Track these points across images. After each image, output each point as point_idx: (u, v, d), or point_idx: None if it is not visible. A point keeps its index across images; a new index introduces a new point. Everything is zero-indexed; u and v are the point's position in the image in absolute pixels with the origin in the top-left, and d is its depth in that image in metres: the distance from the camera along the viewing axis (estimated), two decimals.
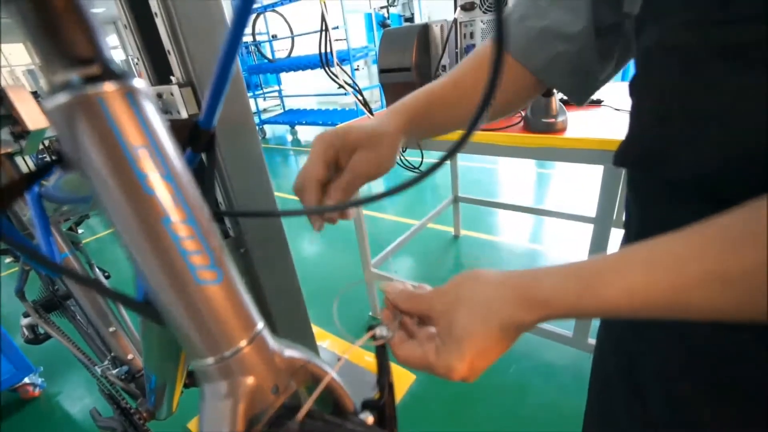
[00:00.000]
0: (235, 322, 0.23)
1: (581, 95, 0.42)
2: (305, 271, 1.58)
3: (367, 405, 0.29)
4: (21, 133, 0.47)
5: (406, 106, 0.39)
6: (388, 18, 5.70)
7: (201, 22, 0.66)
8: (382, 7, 5.62)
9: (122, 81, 0.19)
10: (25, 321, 0.91)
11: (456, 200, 2.15)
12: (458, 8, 1.04)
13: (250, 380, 0.23)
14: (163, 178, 0.20)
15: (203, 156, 0.33)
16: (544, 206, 2.12)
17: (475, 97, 0.40)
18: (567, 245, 2.07)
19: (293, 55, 5.06)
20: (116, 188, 0.19)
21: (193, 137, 0.28)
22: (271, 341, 0.25)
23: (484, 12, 1.03)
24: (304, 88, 6.79)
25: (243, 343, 0.23)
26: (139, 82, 0.20)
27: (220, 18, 0.67)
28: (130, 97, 0.19)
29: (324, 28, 0.82)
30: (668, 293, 0.22)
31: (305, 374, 0.27)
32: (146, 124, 0.20)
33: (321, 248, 2.42)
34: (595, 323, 0.77)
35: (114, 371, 0.66)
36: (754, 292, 0.20)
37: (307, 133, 5.82)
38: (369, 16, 5.11)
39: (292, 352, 0.27)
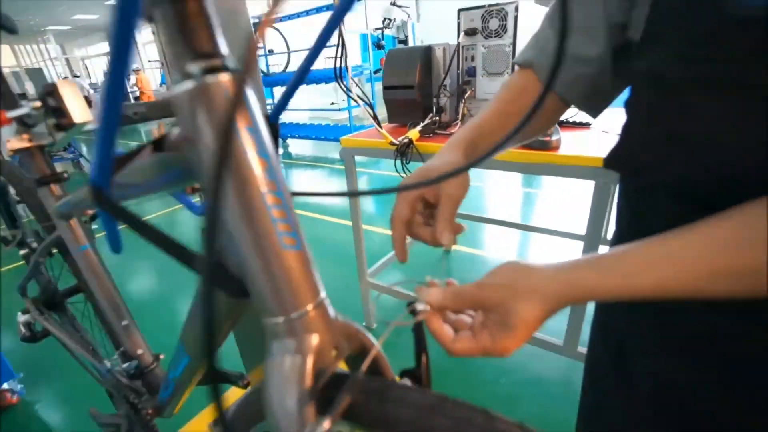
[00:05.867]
0: (307, 286, 0.26)
1: (597, 110, 0.48)
2: None
3: (405, 373, 0.32)
4: (65, 125, 0.50)
5: (459, 140, 0.44)
6: (383, 39, 5.90)
7: (229, 31, 0.69)
8: (377, 29, 5.81)
9: (236, 71, 0.23)
10: (22, 318, 0.90)
11: None
12: (462, 33, 1.12)
13: (316, 339, 0.27)
14: (259, 154, 0.24)
15: None
16: (532, 223, 2.20)
17: (513, 123, 0.45)
18: (553, 261, 2.14)
19: (288, 70, 5.15)
20: (233, 164, 0.23)
21: None
22: (331, 308, 0.28)
23: (485, 38, 1.11)
24: (296, 103, 6.87)
25: (310, 306, 0.27)
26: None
27: (247, 27, 0.72)
28: (242, 85, 0.23)
29: (341, 43, 0.87)
30: (688, 283, 0.27)
31: (356, 341, 0.30)
32: (251, 109, 0.23)
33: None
34: (585, 333, 0.81)
35: (124, 366, 0.67)
36: (756, 284, 0.25)
37: (298, 147, 5.86)
38: (364, 36, 5.26)
39: (345, 320, 0.30)
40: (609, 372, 0.47)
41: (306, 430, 0.23)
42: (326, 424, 0.23)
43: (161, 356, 0.72)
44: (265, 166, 0.24)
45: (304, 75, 0.29)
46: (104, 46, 14.76)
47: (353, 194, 0.36)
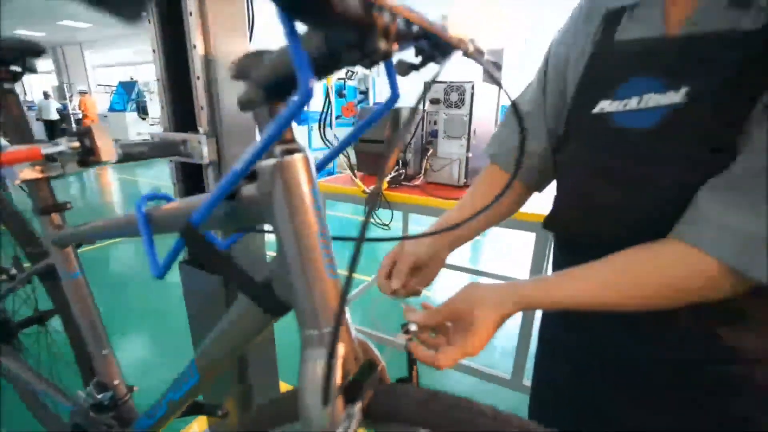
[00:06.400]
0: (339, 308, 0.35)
1: (542, 187, 0.64)
2: None
3: (399, 380, 0.41)
4: (91, 161, 0.55)
5: (439, 220, 0.61)
6: (345, 89, 6.27)
7: (237, 86, 0.79)
8: (340, 79, 6.18)
9: (304, 153, 0.33)
10: None
11: None
12: (428, 102, 1.31)
13: (342, 349, 0.35)
14: (315, 207, 0.33)
15: None
16: (480, 268, 2.39)
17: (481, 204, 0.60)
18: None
19: None
20: (297, 214, 0.32)
21: None
22: (353, 327, 0.37)
23: (446, 107, 1.31)
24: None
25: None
26: (308, 152, 0.34)
27: None
28: (308, 162, 0.33)
29: (327, 102, 1.00)
30: (584, 295, 0.41)
31: (367, 354, 0.39)
32: (313, 177, 0.33)
33: None
34: (529, 366, 0.93)
35: (98, 397, 0.66)
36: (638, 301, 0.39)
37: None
38: (326, 85, 5.56)
39: (362, 338, 0.38)
40: (562, 391, 0.60)
41: (344, 414, 0.31)
42: (357, 408, 0.31)
43: (135, 388, 0.72)
44: (318, 215, 0.33)
45: (352, 140, 0.39)
46: (47, 64, 13.93)
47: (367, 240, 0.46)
